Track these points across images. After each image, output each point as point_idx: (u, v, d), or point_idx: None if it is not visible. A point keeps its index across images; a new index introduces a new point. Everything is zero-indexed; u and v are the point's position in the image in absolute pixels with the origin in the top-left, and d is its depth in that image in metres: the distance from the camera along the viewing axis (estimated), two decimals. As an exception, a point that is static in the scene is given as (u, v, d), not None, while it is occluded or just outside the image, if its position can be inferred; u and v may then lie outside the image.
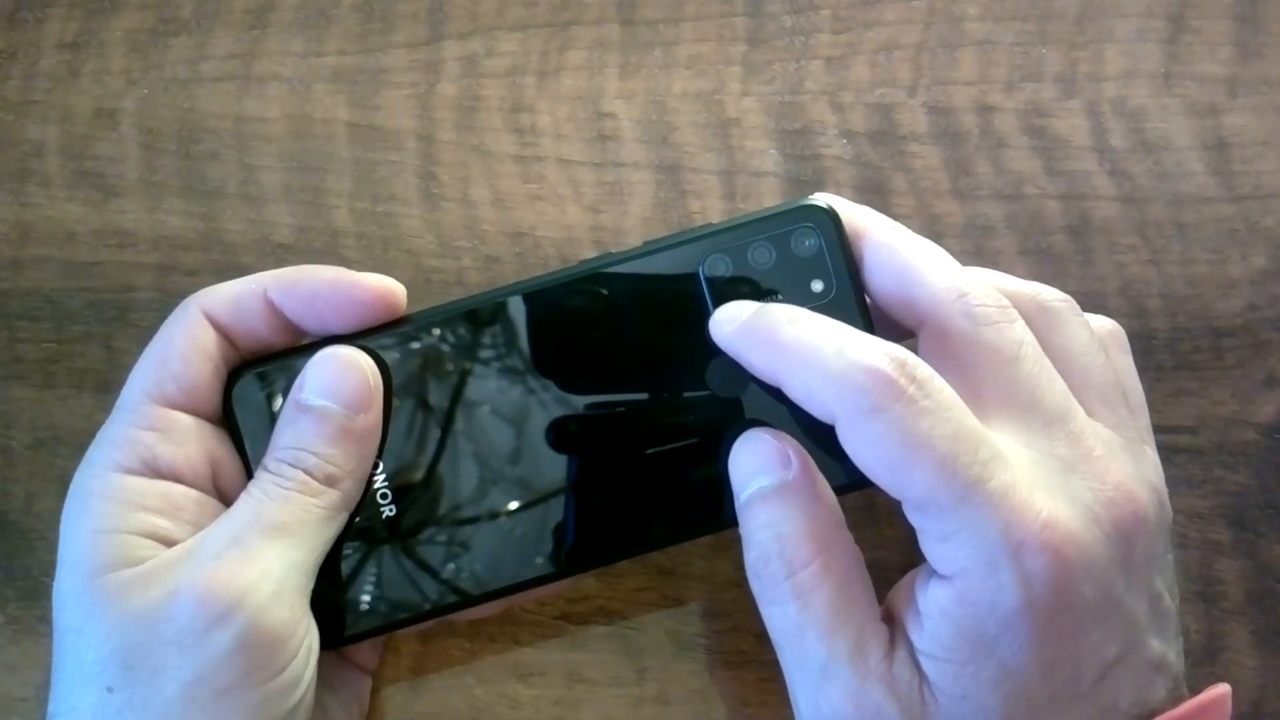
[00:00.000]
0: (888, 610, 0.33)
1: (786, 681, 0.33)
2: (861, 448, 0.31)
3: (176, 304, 0.36)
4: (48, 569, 0.34)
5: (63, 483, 0.34)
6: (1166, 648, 0.33)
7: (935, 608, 0.31)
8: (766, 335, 0.33)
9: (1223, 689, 0.33)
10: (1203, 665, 0.40)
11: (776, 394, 0.35)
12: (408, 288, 0.36)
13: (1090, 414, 0.34)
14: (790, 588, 0.32)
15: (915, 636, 0.32)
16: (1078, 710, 0.32)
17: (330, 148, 0.43)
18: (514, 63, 0.43)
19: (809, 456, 0.34)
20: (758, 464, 0.34)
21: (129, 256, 0.42)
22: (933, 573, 0.32)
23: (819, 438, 0.35)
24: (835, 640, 0.32)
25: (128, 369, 0.35)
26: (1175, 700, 0.33)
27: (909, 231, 0.35)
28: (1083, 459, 0.32)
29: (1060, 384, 0.33)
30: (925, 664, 0.32)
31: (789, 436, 0.34)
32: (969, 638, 0.31)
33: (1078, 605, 0.31)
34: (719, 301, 0.35)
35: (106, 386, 0.41)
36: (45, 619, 0.34)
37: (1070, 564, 0.31)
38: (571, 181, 0.43)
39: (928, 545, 0.32)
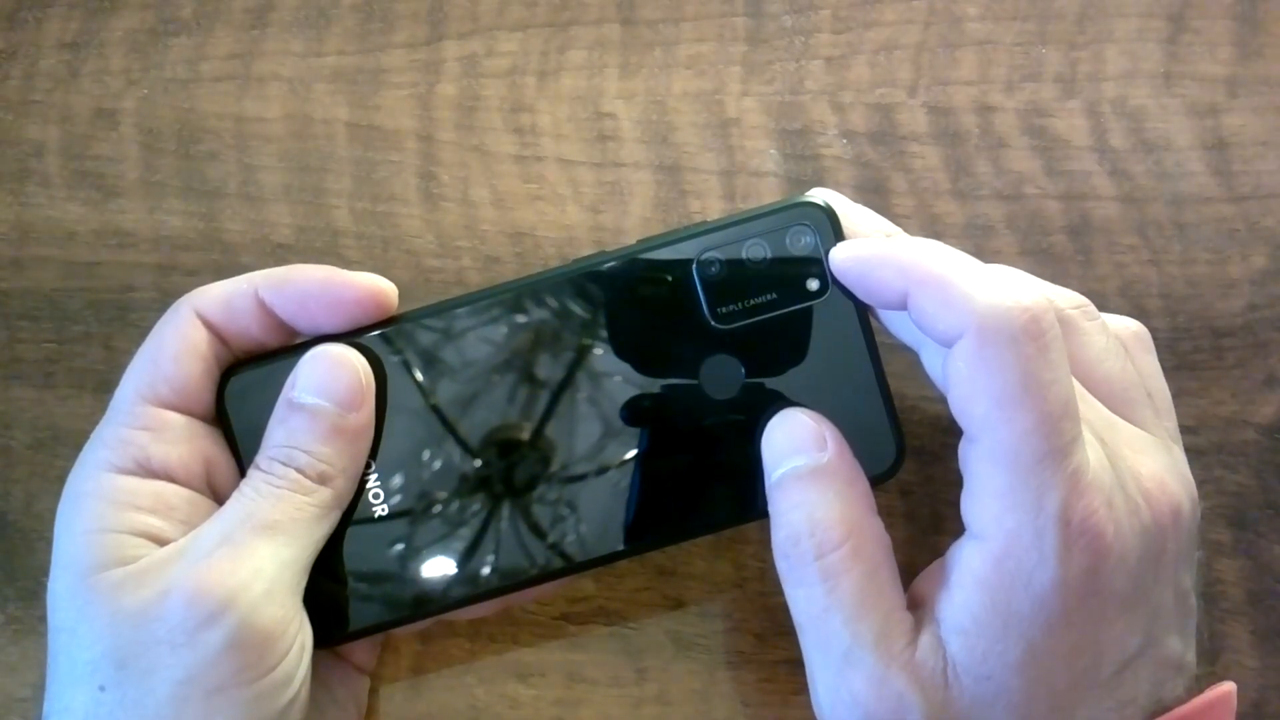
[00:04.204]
0: (913, 596, 0.33)
1: (805, 665, 0.33)
2: (978, 371, 0.30)
3: (177, 305, 0.36)
4: (48, 569, 0.34)
5: (63, 483, 0.35)
6: (1186, 647, 0.34)
7: (969, 575, 0.31)
8: (898, 258, 0.33)
9: (1228, 686, 0.33)
10: (1203, 665, 0.39)
11: (771, 392, 0.35)
12: (408, 288, 0.36)
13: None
14: (819, 570, 0.32)
15: (944, 611, 0.32)
16: (1095, 700, 0.32)
17: (330, 148, 0.43)
18: (514, 63, 0.43)
19: (844, 439, 0.34)
20: (793, 444, 0.34)
21: (129, 256, 0.42)
22: (968, 539, 0.32)
23: None
24: (860, 625, 0.32)
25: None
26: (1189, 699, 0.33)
27: (915, 247, 0.34)
28: (1116, 456, 0.32)
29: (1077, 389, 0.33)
30: (952, 641, 0.31)
31: (824, 418, 0.34)
32: (1000, 611, 0.31)
33: (1107, 593, 0.31)
34: (712, 298, 0.35)
35: (106, 386, 0.41)
36: (45, 619, 0.35)
37: (1108, 552, 0.31)
38: (571, 181, 0.43)
39: (979, 498, 0.31)
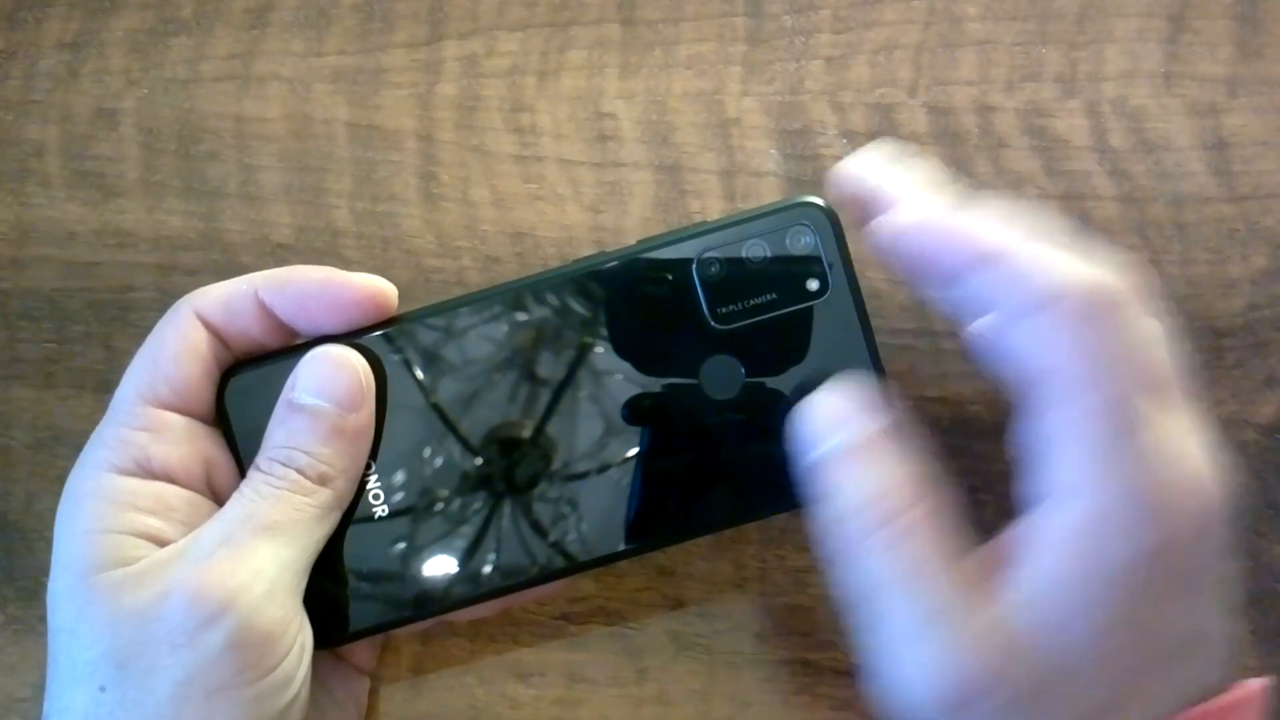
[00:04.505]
0: (987, 561, 0.32)
1: (864, 643, 0.32)
2: (1056, 346, 0.30)
3: (177, 304, 0.36)
4: (48, 569, 0.34)
5: (63, 483, 0.35)
6: (1229, 634, 0.33)
7: (1047, 544, 0.31)
8: (964, 229, 0.32)
9: (1261, 682, 0.33)
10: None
11: (771, 391, 0.35)
12: (408, 288, 0.36)
13: None
14: (883, 539, 0.31)
15: (1021, 579, 0.31)
16: (1156, 675, 0.31)
17: (330, 148, 0.43)
18: (514, 63, 0.43)
19: (896, 403, 0.33)
20: (844, 413, 0.33)
21: (129, 256, 0.42)
22: (1046, 508, 0.31)
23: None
24: (925, 597, 0.31)
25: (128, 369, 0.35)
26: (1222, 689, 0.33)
27: (983, 218, 0.33)
28: (1183, 434, 0.32)
29: None
30: (1024, 615, 0.31)
31: (872, 386, 0.34)
32: (1078, 581, 0.30)
33: (1175, 572, 0.31)
34: (713, 299, 0.35)
35: (106, 386, 0.41)
36: (45, 619, 0.35)
37: (1180, 529, 0.30)
38: (571, 181, 0.42)
39: (1059, 468, 0.31)
